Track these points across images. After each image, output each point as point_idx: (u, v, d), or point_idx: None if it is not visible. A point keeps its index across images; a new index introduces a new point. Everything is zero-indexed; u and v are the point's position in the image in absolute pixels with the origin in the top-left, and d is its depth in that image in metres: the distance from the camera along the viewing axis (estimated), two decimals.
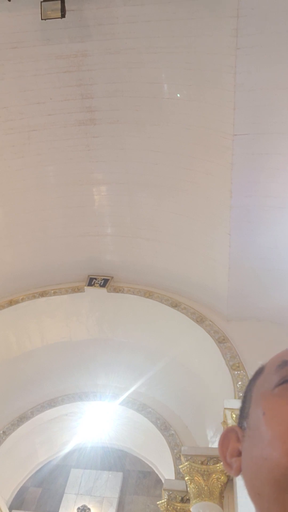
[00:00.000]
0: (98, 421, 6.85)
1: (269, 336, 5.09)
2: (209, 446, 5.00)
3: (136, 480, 7.24)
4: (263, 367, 0.70)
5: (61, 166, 5.48)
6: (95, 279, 6.48)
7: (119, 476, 7.26)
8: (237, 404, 4.19)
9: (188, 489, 4.56)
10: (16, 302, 6.38)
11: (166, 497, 4.70)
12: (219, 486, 4.43)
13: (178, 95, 4.51)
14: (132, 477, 7.27)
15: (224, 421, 4.45)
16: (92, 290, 6.41)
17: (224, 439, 0.68)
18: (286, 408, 0.57)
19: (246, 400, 0.68)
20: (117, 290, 6.38)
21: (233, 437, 0.67)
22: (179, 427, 5.70)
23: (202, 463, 4.53)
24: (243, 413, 0.67)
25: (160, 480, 6.22)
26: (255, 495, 0.56)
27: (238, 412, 0.71)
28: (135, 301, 6.27)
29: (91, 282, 6.45)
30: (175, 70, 4.42)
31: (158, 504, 4.81)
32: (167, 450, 5.51)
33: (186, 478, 4.59)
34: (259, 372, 0.70)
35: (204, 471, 4.50)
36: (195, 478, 4.49)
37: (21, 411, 6.27)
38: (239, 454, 0.64)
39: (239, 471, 0.62)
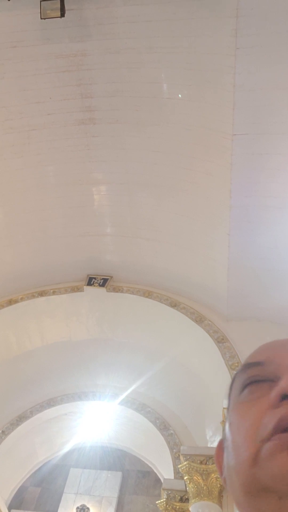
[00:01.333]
0: (98, 420, 6.85)
1: (268, 336, 5.05)
2: (208, 445, 5.01)
3: (135, 479, 7.24)
4: (236, 373, 0.68)
5: (61, 165, 5.48)
6: (95, 278, 6.48)
7: (118, 476, 7.26)
8: None
9: (187, 488, 4.56)
10: (16, 301, 6.38)
11: (165, 496, 4.71)
12: (218, 485, 4.43)
13: (180, 95, 4.51)
14: (131, 477, 7.28)
15: (223, 421, 4.46)
16: (91, 290, 6.41)
17: (219, 450, 0.66)
18: (248, 415, 0.56)
19: (228, 410, 0.67)
20: (116, 289, 6.38)
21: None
22: (179, 426, 5.70)
23: (201, 462, 4.53)
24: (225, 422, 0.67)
25: (159, 480, 6.22)
26: (236, 503, 0.56)
27: None
28: (135, 301, 6.27)
29: (90, 281, 6.45)
30: (175, 70, 4.42)
31: (157, 504, 4.81)
32: (166, 450, 5.52)
33: (185, 478, 4.59)
34: (233, 379, 0.68)
35: (203, 470, 4.50)
36: (194, 477, 4.49)
37: (21, 411, 6.27)
38: None
39: (226, 484, 0.61)
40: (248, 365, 0.63)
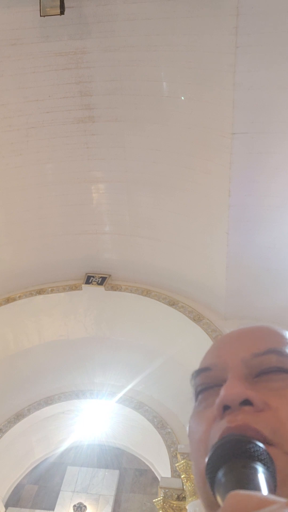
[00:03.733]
0: (95, 419, 6.85)
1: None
2: None
3: (133, 478, 7.25)
4: None
5: (59, 164, 5.47)
6: (93, 277, 6.47)
7: (116, 474, 7.26)
8: None
9: (184, 487, 4.57)
10: (14, 299, 6.37)
11: (162, 495, 4.71)
12: None
13: (183, 97, 4.50)
14: (129, 475, 7.28)
15: None
16: (89, 288, 6.40)
17: None
18: (198, 427, 0.55)
19: None
20: (114, 288, 6.37)
21: None
22: (176, 425, 5.71)
23: None
24: None
25: (157, 478, 6.23)
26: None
27: None
28: (133, 299, 6.27)
29: (88, 280, 6.45)
30: (175, 69, 4.42)
31: (154, 502, 4.82)
32: (163, 448, 5.52)
33: (182, 476, 4.60)
34: (191, 379, 0.66)
35: None
36: (191, 476, 4.50)
37: (18, 409, 6.27)
38: None
39: None
40: (198, 371, 0.61)
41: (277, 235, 4.83)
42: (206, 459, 0.46)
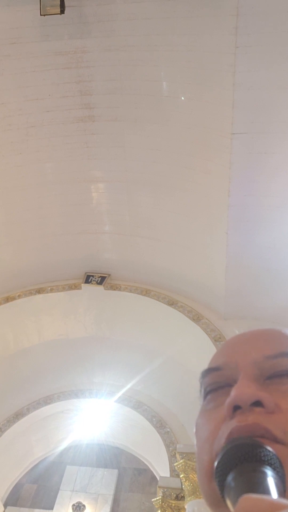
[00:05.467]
0: (94, 418, 6.86)
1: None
2: None
3: (132, 477, 7.25)
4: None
5: (59, 163, 5.46)
6: (92, 276, 6.47)
7: (115, 473, 7.26)
8: None
9: (183, 486, 4.57)
10: (13, 299, 6.37)
11: (161, 494, 4.72)
12: None
13: (183, 98, 4.50)
14: (128, 475, 7.29)
15: None
16: (89, 288, 6.40)
17: None
18: (207, 426, 0.55)
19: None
20: (114, 287, 6.37)
21: None
22: (175, 425, 5.71)
23: None
24: None
25: (155, 478, 6.23)
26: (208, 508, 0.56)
27: None
28: (132, 299, 6.27)
29: (88, 279, 6.45)
30: (175, 68, 4.41)
31: (153, 502, 4.82)
32: (162, 448, 5.52)
33: (181, 476, 4.60)
34: (200, 378, 0.66)
35: None
36: (190, 475, 4.50)
37: (17, 408, 6.27)
38: None
39: None
40: (208, 371, 0.61)
41: (277, 235, 4.83)
42: (216, 463, 0.47)
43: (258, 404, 0.51)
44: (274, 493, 0.41)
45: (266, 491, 0.41)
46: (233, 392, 0.53)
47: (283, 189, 4.54)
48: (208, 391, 0.59)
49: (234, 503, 0.41)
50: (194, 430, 0.59)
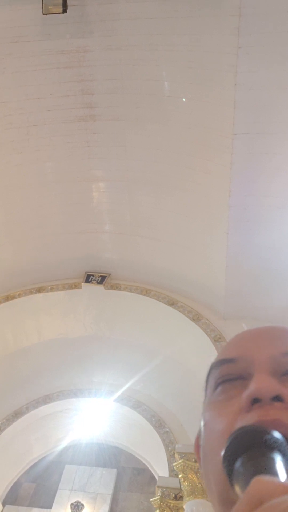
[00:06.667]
0: (93, 418, 6.86)
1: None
2: None
3: (130, 477, 7.26)
4: (211, 366, 0.66)
5: (60, 162, 5.46)
6: (93, 276, 6.47)
7: (113, 473, 7.26)
8: None
9: (182, 486, 4.57)
10: (13, 297, 6.37)
11: (159, 494, 4.72)
12: None
13: (184, 99, 4.50)
14: (126, 474, 7.29)
15: None
16: (89, 287, 6.40)
17: (197, 444, 0.65)
18: (221, 417, 0.54)
19: (204, 400, 0.64)
20: (114, 287, 6.37)
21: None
22: (174, 424, 5.71)
23: (196, 461, 4.53)
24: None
25: (154, 477, 6.23)
26: (212, 503, 0.55)
27: None
28: (132, 299, 6.27)
29: (88, 279, 6.44)
30: (176, 68, 4.41)
31: (151, 501, 4.82)
32: (161, 448, 5.52)
33: (180, 476, 4.60)
34: (208, 372, 0.65)
35: (198, 469, 4.51)
36: (189, 475, 4.50)
37: (16, 407, 6.27)
38: None
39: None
40: (221, 362, 0.61)
41: (277, 235, 4.83)
42: (223, 451, 0.46)
43: (278, 398, 0.51)
44: (284, 477, 0.41)
45: (276, 475, 0.41)
46: (253, 385, 0.52)
47: (283, 190, 4.54)
48: (219, 382, 0.59)
49: (243, 487, 0.41)
50: (202, 422, 0.58)
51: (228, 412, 0.53)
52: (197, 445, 0.64)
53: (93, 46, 4.55)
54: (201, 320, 5.72)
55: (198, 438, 0.64)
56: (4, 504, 6.68)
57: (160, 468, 5.79)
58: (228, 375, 0.58)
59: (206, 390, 0.64)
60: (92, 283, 6.40)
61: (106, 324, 6.51)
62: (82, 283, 6.42)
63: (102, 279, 6.42)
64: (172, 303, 6.02)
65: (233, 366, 0.59)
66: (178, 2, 3.98)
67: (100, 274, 6.47)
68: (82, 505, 6.95)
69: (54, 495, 7.07)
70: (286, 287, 5.15)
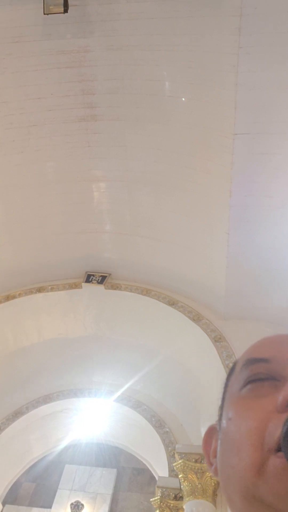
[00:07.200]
0: (93, 417, 6.86)
1: (265, 335, 5.09)
2: None
3: (130, 477, 7.26)
4: (235, 364, 0.67)
5: (60, 162, 5.46)
6: (93, 276, 6.47)
7: (113, 473, 7.27)
8: None
9: (182, 486, 4.57)
10: (13, 297, 6.37)
11: (159, 494, 4.72)
12: (213, 484, 4.45)
13: (183, 99, 4.50)
14: (126, 474, 7.29)
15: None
16: (89, 287, 6.40)
17: (207, 437, 0.66)
18: (251, 414, 0.54)
19: (222, 399, 0.65)
20: (114, 287, 6.37)
21: (215, 435, 0.64)
22: (174, 425, 5.71)
23: (196, 461, 4.54)
24: (219, 413, 0.64)
25: (154, 478, 6.23)
26: (228, 499, 0.55)
27: None
28: (132, 299, 6.27)
29: (88, 278, 6.45)
30: (177, 68, 4.41)
31: (151, 501, 4.82)
32: (161, 448, 5.52)
33: (180, 476, 4.60)
34: (232, 369, 0.67)
35: (198, 469, 4.51)
36: (189, 476, 4.50)
37: (16, 406, 6.28)
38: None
39: (217, 473, 0.60)
40: (253, 361, 0.62)
41: (278, 235, 4.83)
42: (282, 437, 0.48)
43: None
44: None
45: None
46: None
47: (283, 190, 4.54)
48: (250, 380, 0.59)
49: None
50: (226, 417, 0.58)
51: (260, 410, 0.54)
52: (208, 441, 0.65)
53: (94, 46, 4.55)
54: (201, 320, 5.72)
55: (211, 430, 0.65)
56: (4, 504, 6.69)
57: (160, 468, 5.80)
58: (260, 374, 0.59)
59: (227, 386, 0.65)
60: (93, 283, 6.41)
61: (106, 324, 6.51)
62: (83, 283, 6.42)
63: (102, 279, 6.42)
64: (172, 303, 6.03)
65: (266, 366, 0.59)
66: (178, 2, 3.98)
67: (100, 274, 6.47)
68: (82, 505, 6.95)
69: (54, 495, 7.08)
70: (286, 287, 5.15)
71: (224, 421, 0.59)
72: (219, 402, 0.66)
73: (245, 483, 0.50)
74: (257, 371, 0.59)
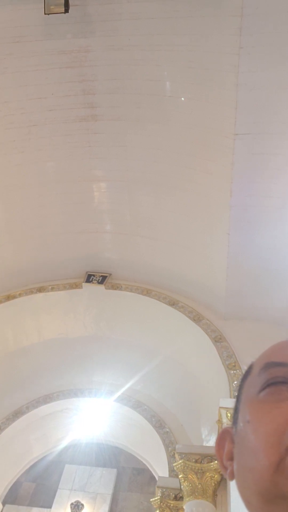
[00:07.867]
0: (93, 417, 6.86)
1: (266, 336, 5.10)
2: (204, 444, 5.02)
3: (130, 477, 7.26)
4: (251, 366, 0.67)
5: (61, 162, 5.46)
6: (93, 276, 6.47)
7: (113, 473, 7.27)
8: (232, 403, 4.18)
9: (182, 487, 4.57)
10: (14, 297, 6.37)
11: (159, 494, 4.71)
12: (213, 484, 4.44)
13: (183, 98, 4.50)
14: (126, 474, 7.29)
15: (219, 420, 4.47)
16: (90, 287, 6.40)
17: (221, 440, 0.66)
18: (269, 417, 0.55)
19: (238, 401, 0.66)
20: (115, 287, 6.37)
21: (228, 438, 0.65)
22: (174, 425, 5.71)
23: (196, 461, 4.54)
24: (235, 415, 0.65)
25: (154, 478, 6.23)
26: (245, 501, 0.56)
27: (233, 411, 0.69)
28: (133, 299, 6.27)
29: (89, 278, 6.45)
30: (177, 68, 4.41)
31: (151, 502, 4.82)
32: (161, 448, 5.53)
33: (180, 476, 4.60)
34: (248, 371, 0.67)
35: (198, 469, 4.51)
36: (189, 476, 4.50)
37: (16, 406, 6.28)
38: (233, 457, 0.62)
39: (233, 476, 0.61)
40: (272, 364, 0.62)
41: (278, 236, 4.83)
42: None
43: None
44: None
45: None
46: None
47: (284, 190, 4.54)
48: (269, 383, 0.60)
49: None
50: (248, 417, 0.58)
51: (279, 413, 0.55)
52: (222, 444, 0.65)
53: (94, 46, 4.55)
54: (201, 320, 5.71)
55: (226, 432, 0.66)
56: (4, 504, 6.69)
57: (160, 468, 5.80)
58: (279, 378, 0.60)
59: (242, 388, 0.66)
60: (93, 283, 6.41)
61: (106, 324, 6.51)
62: (83, 283, 6.42)
63: (103, 279, 6.42)
64: (172, 303, 6.02)
65: (285, 370, 0.60)
66: (178, 2, 3.97)
67: (101, 274, 6.47)
68: (82, 505, 6.95)
69: (54, 495, 7.08)
70: (286, 287, 5.15)
71: (241, 424, 0.60)
72: (234, 404, 0.67)
73: (264, 484, 0.51)
74: (276, 375, 0.60)
